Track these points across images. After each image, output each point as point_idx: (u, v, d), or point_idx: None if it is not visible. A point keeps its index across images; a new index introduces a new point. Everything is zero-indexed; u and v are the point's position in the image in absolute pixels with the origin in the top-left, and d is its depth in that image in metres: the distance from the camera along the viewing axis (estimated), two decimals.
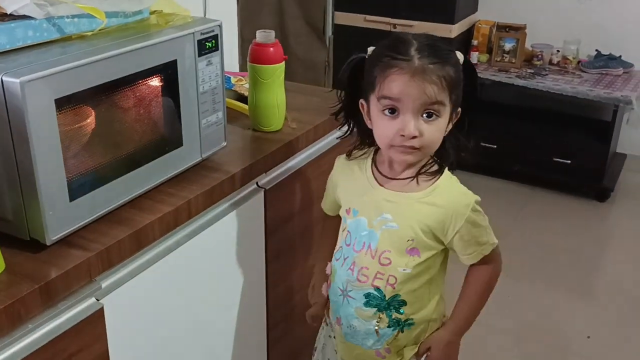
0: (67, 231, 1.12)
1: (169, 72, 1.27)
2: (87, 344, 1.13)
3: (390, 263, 1.25)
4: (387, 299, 1.27)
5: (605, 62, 3.52)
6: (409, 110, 1.15)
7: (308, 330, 1.85)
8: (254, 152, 1.53)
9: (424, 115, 1.16)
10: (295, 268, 1.75)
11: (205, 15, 1.90)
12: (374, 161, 1.31)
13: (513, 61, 3.58)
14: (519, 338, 2.41)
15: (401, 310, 1.28)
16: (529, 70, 3.54)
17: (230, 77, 1.82)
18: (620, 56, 3.52)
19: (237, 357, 1.65)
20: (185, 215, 1.30)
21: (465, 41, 3.75)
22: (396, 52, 1.16)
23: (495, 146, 3.55)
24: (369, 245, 1.27)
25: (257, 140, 1.59)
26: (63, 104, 1.05)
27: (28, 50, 1.12)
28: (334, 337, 1.42)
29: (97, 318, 1.14)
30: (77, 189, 1.12)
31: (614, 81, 3.41)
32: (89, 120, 1.13)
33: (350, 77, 1.27)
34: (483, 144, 3.57)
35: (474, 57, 3.63)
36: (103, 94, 1.14)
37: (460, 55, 1.23)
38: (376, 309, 1.28)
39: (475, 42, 3.65)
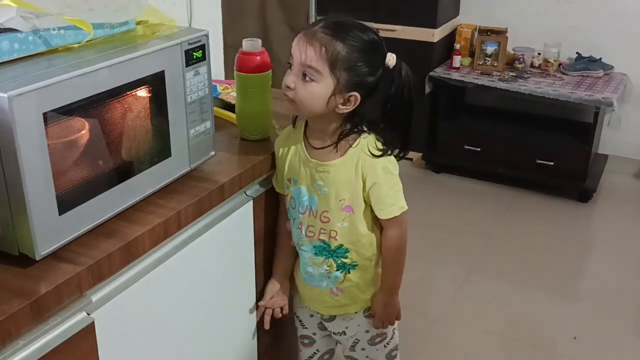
0: (56, 245, 1.11)
1: (156, 83, 1.27)
2: (79, 358, 1.12)
3: (329, 220, 1.47)
4: (332, 248, 1.49)
5: (585, 64, 3.56)
6: (295, 66, 1.35)
7: (297, 337, 1.85)
8: (242, 161, 1.53)
9: (304, 75, 1.34)
10: None
11: (190, 24, 1.89)
12: (305, 135, 1.48)
13: (495, 64, 3.61)
14: (504, 339, 2.43)
15: (345, 256, 1.50)
16: (511, 74, 3.57)
17: (216, 86, 1.82)
18: (600, 58, 3.57)
19: None
20: (175, 226, 1.30)
21: (447, 45, 3.78)
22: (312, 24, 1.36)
23: (479, 149, 3.58)
24: (310, 208, 1.48)
25: (245, 149, 1.59)
26: (51, 117, 1.05)
27: (14, 64, 1.11)
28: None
29: (88, 332, 1.13)
30: (66, 202, 1.11)
31: (594, 83, 3.45)
32: (77, 133, 1.12)
33: None
34: (467, 147, 3.61)
35: (457, 60, 3.65)
36: (91, 107, 1.13)
37: (391, 58, 1.39)
38: (324, 257, 1.50)
39: (457, 46, 3.67)
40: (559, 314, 2.58)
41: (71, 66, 1.10)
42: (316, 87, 1.34)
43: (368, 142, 1.42)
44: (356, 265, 1.51)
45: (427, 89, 3.64)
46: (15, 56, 1.11)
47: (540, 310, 2.61)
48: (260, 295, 1.66)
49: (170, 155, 1.34)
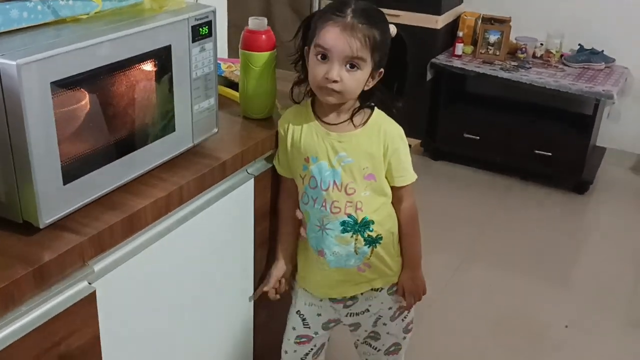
0: (60, 215, 1.12)
1: (163, 57, 1.27)
2: (79, 327, 1.14)
3: (355, 191, 1.50)
4: (358, 222, 1.51)
5: (587, 56, 3.56)
6: (335, 59, 1.38)
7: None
8: (245, 139, 1.54)
9: (348, 65, 1.39)
10: None
11: (197, 0, 1.89)
12: (315, 114, 1.51)
13: (497, 53, 3.62)
14: (497, 327, 2.45)
15: (371, 228, 1.53)
16: (512, 63, 3.57)
17: (220, 64, 1.82)
18: (602, 51, 3.57)
19: (225, 340, 1.66)
20: (177, 201, 1.31)
21: (450, 32, 3.78)
22: (336, 10, 1.38)
23: (478, 137, 3.59)
24: (334, 182, 1.49)
25: (247, 128, 1.60)
26: (59, 87, 1.05)
27: (23, 32, 1.11)
28: (304, 286, 1.65)
29: (89, 301, 1.14)
30: (71, 172, 1.11)
31: (595, 76, 3.46)
32: (83, 104, 1.13)
33: (305, 29, 1.49)
34: (466, 135, 3.62)
35: (459, 48, 3.65)
36: (98, 78, 1.14)
37: (393, 28, 1.47)
38: (352, 232, 1.52)
39: (460, 34, 3.67)
40: (551, 303, 2.61)
41: (79, 37, 1.11)
42: (361, 74, 1.41)
43: (380, 114, 1.51)
44: (381, 238, 1.54)
45: (429, 76, 3.64)
46: (24, 25, 1.11)
47: (533, 298, 2.63)
48: (258, 274, 1.67)
49: (174, 130, 1.35)
